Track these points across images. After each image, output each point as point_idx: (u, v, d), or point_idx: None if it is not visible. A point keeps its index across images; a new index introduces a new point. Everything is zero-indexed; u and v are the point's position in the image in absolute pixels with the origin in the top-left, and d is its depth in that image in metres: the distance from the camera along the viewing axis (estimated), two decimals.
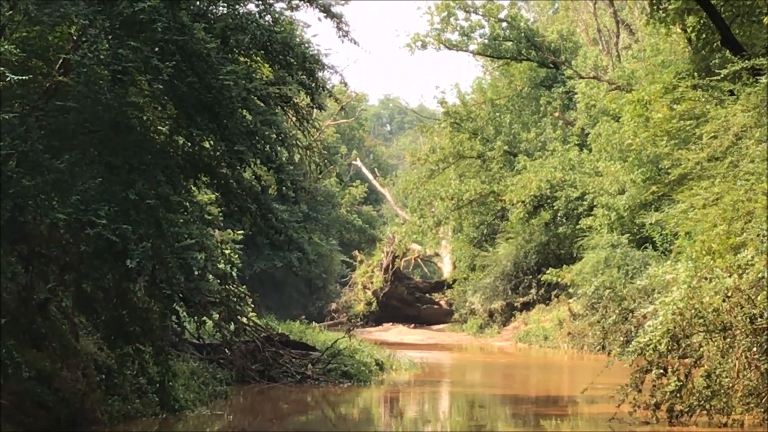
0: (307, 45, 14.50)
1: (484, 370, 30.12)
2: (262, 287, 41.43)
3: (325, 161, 42.88)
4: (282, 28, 14.11)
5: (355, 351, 23.55)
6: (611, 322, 21.47)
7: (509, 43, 45.78)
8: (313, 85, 14.72)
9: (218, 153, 14.23)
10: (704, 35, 28.21)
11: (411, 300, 51.04)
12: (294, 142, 15.25)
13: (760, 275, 14.78)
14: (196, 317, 15.23)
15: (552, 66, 46.45)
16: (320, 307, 53.44)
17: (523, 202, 40.54)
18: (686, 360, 15.19)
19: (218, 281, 18.06)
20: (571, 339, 34.14)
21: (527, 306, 41.98)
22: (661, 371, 14.91)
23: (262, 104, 13.81)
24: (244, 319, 21.48)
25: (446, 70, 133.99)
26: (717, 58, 27.05)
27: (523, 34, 45.25)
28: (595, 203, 36.60)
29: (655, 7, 28.59)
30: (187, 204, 13.76)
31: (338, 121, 60.04)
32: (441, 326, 48.72)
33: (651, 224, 29.87)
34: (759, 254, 15.38)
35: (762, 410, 14.19)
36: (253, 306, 24.25)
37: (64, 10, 11.81)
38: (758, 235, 16.25)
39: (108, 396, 14.06)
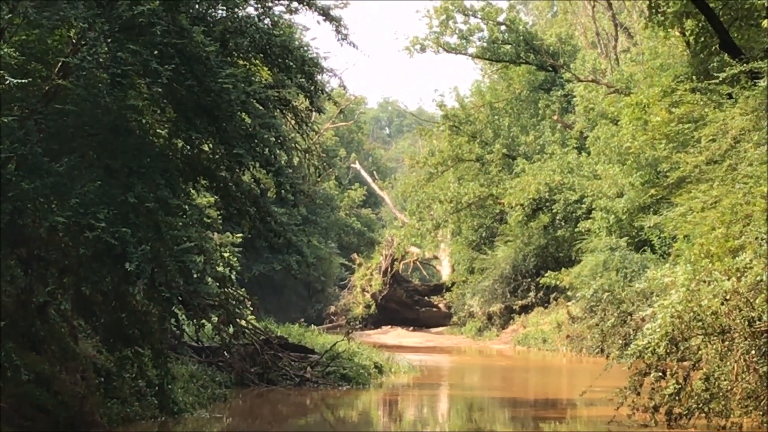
0: (306, 48, 14.51)
1: (483, 373, 30.12)
2: (261, 290, 41.43)
3: (324, 164, 42.98)
4: (281, 32, 14.11)
5: (353, 354, 23.56)
6: (610, 325, 21.48)
7: (508, 47, 45.77)
8: (312, 88, 14.73)
9: (217, 156, 14.23)
10: (703, 38, 28.24)
11: (410, 303, 51.04)
12: (293, 145, 15.26)
13: (758, 278, 14.80)
14: (195, 320, 15.22)
15: (551, 69, 46.48)
16: (319, 310, 53.43)
17: (521, 205, 40.55)
18: (685, 363, 15.19)
19: (217, 284, 18.08)
20: (569, 342, 34.15)
21: (526, 309, 41.98)
22: (660, 374, 14.92)
23: (261, 107, 13.82)
24: (243, 322, 21.50)
25: (445, 74, 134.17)
26: (715, 61, 27.05)
27: (521, 38, 45.25)
28: (593, 206, 36.62)
29: (653, 11, 28.63)
30: (186, 207, 13.77)
31: (337, 124, 60.03)
32: (440, 329, 48.72)
33: (649, 227, 29.88)
34: (757, 257, 15.39)
35: (760, 413, 14.20)
36: (252, 309, 24.25)
37: (64, 13, 11.80)
38: (756, 238, 16.25)
39: (107, 399, 14.06)
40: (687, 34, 29.16)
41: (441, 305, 50.52)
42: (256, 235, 15.21)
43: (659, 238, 31.71)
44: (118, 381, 14.42)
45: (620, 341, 24.09)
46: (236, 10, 13.82)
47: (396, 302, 50.53)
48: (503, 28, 45.82)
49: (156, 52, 12.22)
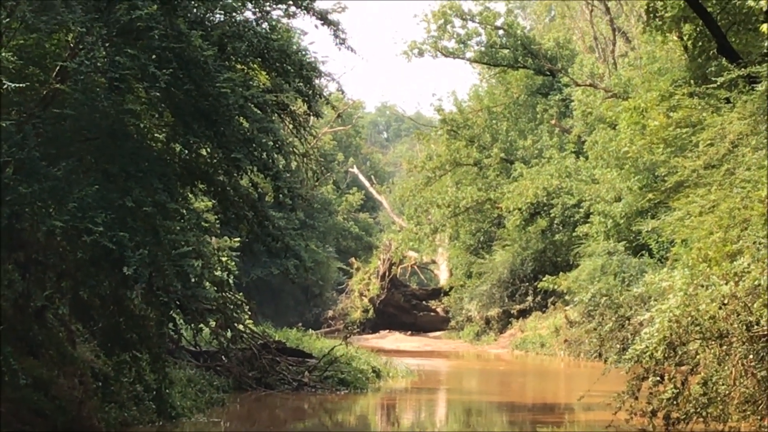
0: (304, 52, 14.52)
1: (481, 378, 30.10)
2: (258, 294, 41.43)
3: (322, 169, 43.01)
4: (279, 36, 14.12)
5: (351, 358, 23.53)
6: (608, 329, 21.41)
7: (506, 51, 45.82)
8: (310, 92, 14.75)
9: (215, 160, 14.22)
10: (701, 43, 28.25)
11: (408, 307, 51.04)
12: (291, 149, 15.28)
13: (756, 282, 14.78)
14: (193, 324, 15.25)
15: (548, 74, 46.53)
16: (317, 315, 53.38)
17: (519, 209, 40.55)
18: (683, 367, 15.18)
19: (215, 288, 18.08)
20: (567, 346, 34.13)
21: (524, 313, 41.99)
22: (658, 379, 14.89)
23: (259, 112, 13.82)
24: (241, 327, 21.50)
25: (443, 78, 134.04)
26: (713, 66, 27.07)
27: (519, 42, 45.29)
28: (591, 211, 36.63)
29: (651, 15, 28.62)
30: (184, 211, 13.75)
31: (335, 128, 60.03)
32: (438, 333, 48.71)
33: (647, 232, 29.84)
34: (755, 261, 15.37)
35: (758, 418, 14.19)
36: (249, 313, 24.24)
37: (61, 17, 11.80)
38: (754, 243, 16.23)
39: (105, 403, 14.04)
40: (685, 38, 29.18)
41: (439, 309, 50.51)
42: (253, 239, 15.21)
43: (657, 242, 31.72)
44: (116, 385, 14.40)
45: (618, 345, 24.05)
46: (234, 14, 13.83)
47: (394, 306, 50.51)
48: (501, 32, 45.86)
49: (154, 56, 12.21)
